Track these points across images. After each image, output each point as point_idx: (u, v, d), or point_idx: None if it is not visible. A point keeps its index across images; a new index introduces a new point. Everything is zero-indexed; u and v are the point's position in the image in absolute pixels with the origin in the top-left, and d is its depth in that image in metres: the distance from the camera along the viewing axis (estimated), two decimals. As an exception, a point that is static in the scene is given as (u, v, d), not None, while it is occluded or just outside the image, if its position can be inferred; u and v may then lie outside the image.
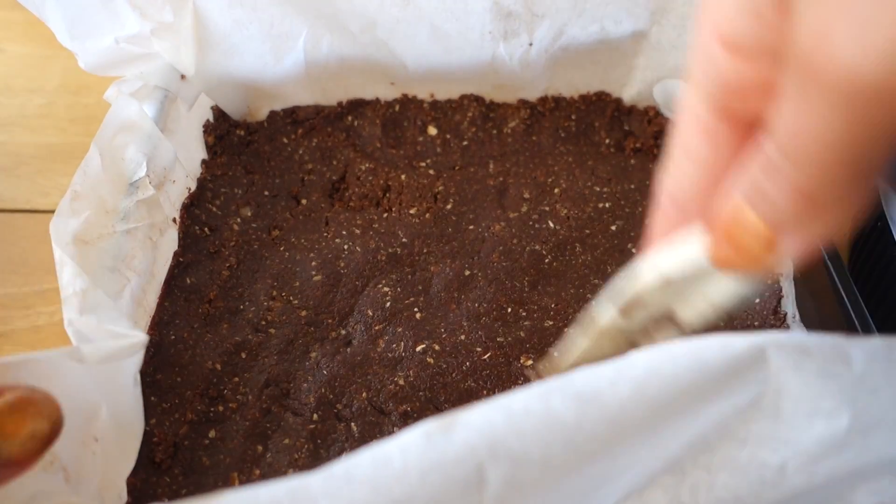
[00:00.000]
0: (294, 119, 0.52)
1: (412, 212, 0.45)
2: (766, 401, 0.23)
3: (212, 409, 0.37)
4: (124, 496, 0.33)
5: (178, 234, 0.44)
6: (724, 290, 0.23)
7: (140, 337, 0.31)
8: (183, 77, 0.47)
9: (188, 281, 0.42)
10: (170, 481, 0.34)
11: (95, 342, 0.31)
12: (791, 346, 0.22)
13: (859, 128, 0.17)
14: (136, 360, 0.32)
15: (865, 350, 0.22)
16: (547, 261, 0.44)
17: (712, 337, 0.22)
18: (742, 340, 0.22)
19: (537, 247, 0.44)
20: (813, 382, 0.22)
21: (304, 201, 0.47)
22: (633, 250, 0.44)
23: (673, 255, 0.23)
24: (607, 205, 0.47)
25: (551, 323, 0.41)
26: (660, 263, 0.24)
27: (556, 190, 0.48)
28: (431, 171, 0.49)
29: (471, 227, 0.45)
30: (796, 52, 0.17)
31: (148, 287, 0.39)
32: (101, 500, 0.31)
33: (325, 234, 0.45)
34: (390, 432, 0.36)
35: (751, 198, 0.20)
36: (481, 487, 0.20)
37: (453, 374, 0.38)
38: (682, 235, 0.23)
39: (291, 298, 0.42)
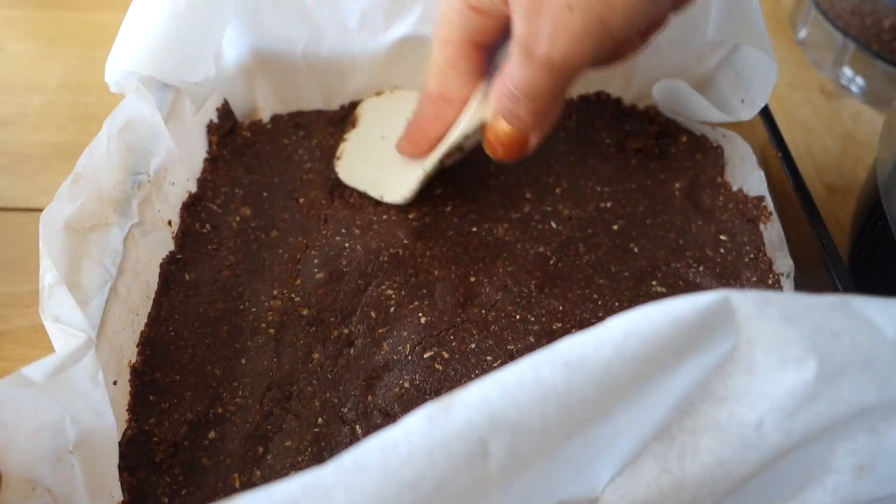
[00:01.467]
0: (296, 122, 0.52)
1: (411, 216, 0.45)
2: (739, 353, 0.24)
3: (212, 410, 0.37)
4: (117, 494, 0.33)
5: (178, 232, 0.43)
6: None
7: (84, 337, 0.31)
8: None
9: (187, 277, 0.42)
10: (170, 481, 0.34)
11: (38, 361, 0.30)
12: (753, 296, 0.24)
13: (558, 84, 0.34)
14: (87, 362, 0.31)
15: (823, 301, 0.24)
16: (552, 262, 0.43)
17: (682, 296, 0.24)
18: (707, 294, 0.24)
19: (541, 248, 0.44)
20: (778, 329, 0.24)
21: (301, 199, 0.47)
22: (636, 249, 0.44)
23: (467, 120, 0.41)
24: (609, 204, 0.47)
25: (560, 325, 0.40)
26: (462, 125, 0.41)
27: (558, 190, 0.47)
28: (432, 171, 0.49)
29: (473, 229, 0.45)
30: (517, 39, 0.33)
31: (133, 286, 0.39)
32: (92, 502, 0.31)
33: (325, 232, 0.45)
34: None
35: (506, 116, 0.36)
36: (486, 460, 0.21)
37: (462, 381, 0.38)
38: (469, 107, 0.40)
39: (293, 296, 0.41)
